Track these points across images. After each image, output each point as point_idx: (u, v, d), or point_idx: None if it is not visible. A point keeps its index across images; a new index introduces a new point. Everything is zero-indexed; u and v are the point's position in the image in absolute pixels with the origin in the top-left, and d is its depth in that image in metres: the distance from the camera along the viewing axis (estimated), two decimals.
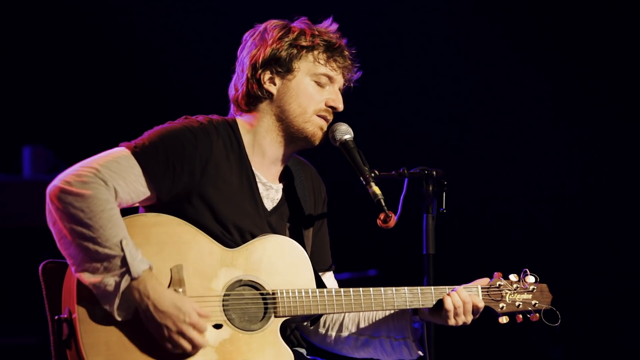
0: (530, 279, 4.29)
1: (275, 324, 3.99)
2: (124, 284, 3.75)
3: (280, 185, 4.22)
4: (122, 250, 3.75)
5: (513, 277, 4.28)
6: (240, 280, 3.98)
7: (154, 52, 8.11)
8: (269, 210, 4.16)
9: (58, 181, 3.83)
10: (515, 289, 4.26)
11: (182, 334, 3.79)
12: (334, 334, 4.32)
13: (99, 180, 3.81)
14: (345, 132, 4.19)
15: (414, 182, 4.17)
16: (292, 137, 4.16)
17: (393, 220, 4.08)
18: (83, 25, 8.07)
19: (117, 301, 3.75)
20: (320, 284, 4.18)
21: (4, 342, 7.60)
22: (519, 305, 4.26)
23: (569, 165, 8.12)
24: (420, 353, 4.24)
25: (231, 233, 4.03)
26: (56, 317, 3.83)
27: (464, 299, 4.13)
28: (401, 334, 4.25)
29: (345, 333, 4.31)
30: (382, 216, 4.09)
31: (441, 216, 4.17)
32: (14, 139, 8.07)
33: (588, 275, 7.97)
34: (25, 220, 7.54)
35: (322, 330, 4.32)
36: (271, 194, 4.18)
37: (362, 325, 4.30)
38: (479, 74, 8.16)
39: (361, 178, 4.13)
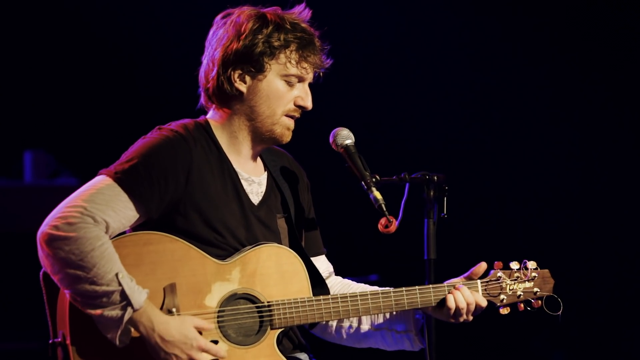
0: (531, 265, 4.25)
1: (271, 336, 3.98)
2: (126, 316, 3.75)
3: (261, 178, 4.20)
4: (120, 284, 3.75)
5: (514, 265, 4.24)
6: (235, 294, 3.96)
7: (155, 57, 8.11)
8: (255, 205, 4.13)
9: (45, 226, 3.78)
10: (516, 279, 4.22)
11: (192, 358, 3.81)
12: (334, 324, 4.30)
13: (87, 218, 3.77)
14: (346, 137, 4.18)
15: (415, 187, 4.17)
16: (262, 136, 4.14)
17: (394, 225, 4.06)
18: (84, 30, 8.07)
19: (119, 331, 3.76)
20: (314, 271, 4.15)
21: (5, 347, 7.60)
22: (520, 295, 4.22)
23: (572, 171, 8.11)
24: (422, 345, 4.22)
25: (224, 236, 4.01)
26: (50, 342, 3.83)
27: (467, 300, 4.12)
28: (403, 326, 4.23)
29: (346, 324, 4.28)
30: (383, 221, 4.08)
31: (442, 221, 4.16)
32: (15, 144, 8.07)
33: (590, 279, 7.96)
34: (26, 225, 7.53)
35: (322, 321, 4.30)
36: (254, 188, 4.16)
37: (363, 317, 4.28)
38: (479, 79, 8.16)
39: (362, 183, 4.12)
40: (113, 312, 3.74)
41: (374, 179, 4.11)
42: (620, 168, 8.04)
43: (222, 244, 4.01)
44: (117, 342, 3.76)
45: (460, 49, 8.14)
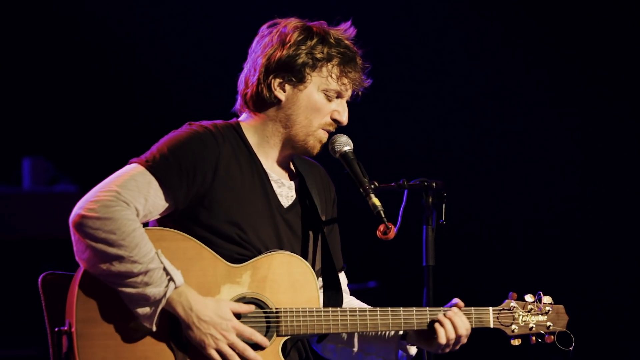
0: (546, 299, 4.26)
1: (277, 342, 3.98)
2: (169, 293, 3.80)
3: (292, 183, 4.22)
4: (161, 262, 3.81)
5: (528, 297, 4.25)
6: (244, 298, 3.97)
7: (155, 64, 8.12)
8: (285, 207, 4.15)
9: (80, 209, 3.81)
10: (529, 311, 4.24)
11: (226, 339, 3.84)
12: (331, 344, 4.30)
13: (121, 203, 3.82)
14: (345, 143, 4.19)
15: (413, 194, 4.17)
16: (294, 145, 4.16)
17: (393, 231, 4.06)
18: (83, 37, 8.08)
19: (159, 309, 3.79)
20: (336, 283, 4.17)
21: (4, 354, 7.60)
22: (532, 327, 4.23)
23: (571, 176, 8.12)
24: None
25: (247, 233, 4.03)
26: (56, 329, 3.84)
27: (458, 331, 4.12)
28: (389, 356, 4.24)
29: (340, 345, 4.30)
30: (381, 228, 4.08)
31: (441, 228, 4.17)
32: (14, 151, 8.08)
33: (590, 285, 7.96)
34: (25, 231, 7.54)
35: (319, 341, 4.30)
36: (284, 191, 4.18)
37: (355, 341, 4.28)
38: (480, 85, 8.16)
39: (361, 189, 4.12)
40: (155, 289, 3.78)
41: (372, 186, 4.12)
42: (623, 173, 8.04)
43: (245, 242, 4.02)
44: (154, 325, 3.79)
45: (461, 54, 8.15)
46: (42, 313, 3.90)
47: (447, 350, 4.15)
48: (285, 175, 4.22)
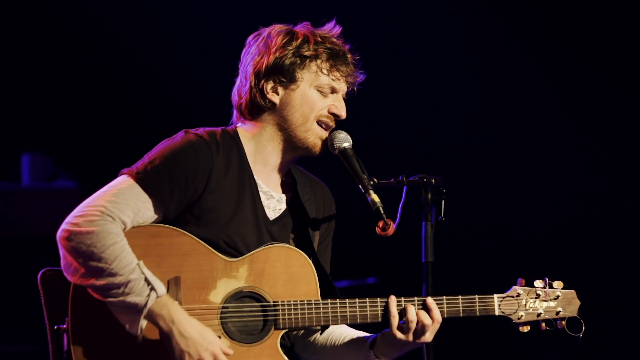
0: (556, 284, 4.23)
1: (275, 336, 3.98)
2: (150, 302, 3.79)
3: (283, 196, 4.21)
4: (142, 272, 3.80)
5: (537, 283, 4.23)
6: (241, 292, 3.97)
7: (152, 61, 8.12)
8: (270, 219, 4.14)
9: (65, 224, 3.85)
10: (537, 297, 4.21)
11: None
12: (306, 355, 4.28)
13: (106, 217, 3.83)
14: (344, 139, 4.18)
15: (412, 190, 4.17)
16: (293, 146, 4.16)
17: (392, 228, 4.06)
18: (82, 34, 8.08)
19: (141, 318, 3.79)
20: (329, 288, 4.15)
21: (3, 350, 7.60)
22: (540, 314, 4.20)
23: (570, 173, 8.12)
24: None
25: (234, 240, 4.03)
26: (55, 327, 3.85)
27: (421, 317, 4.06)
28: None
29: (314, 356, 4.27)
30: (381, 224, 4.07)
31: (440, 224, 4.17)
32: (13, 147, 8.08)
33: (589, 280, 7.96)
34: (24, 228, 7.54)
35: (297, 350, 4.28)
36: (272, 203, 4.17)
37: (329, 354, 4.22)
38: (479, 81, 8.17)
39: (360, 186, 4.12)
40: (136, 298, 3.78)
41: (371, 182, 4.12)
42: (622, 167, 8.05)
43: (232, 250, 4.02)
44: (138, 331, 3.79)
45: (460, 50, 8.15)
46: (41, 309, 3.90)
47: (414, 338, 4.05)
48: (277, 187, 4.21)
